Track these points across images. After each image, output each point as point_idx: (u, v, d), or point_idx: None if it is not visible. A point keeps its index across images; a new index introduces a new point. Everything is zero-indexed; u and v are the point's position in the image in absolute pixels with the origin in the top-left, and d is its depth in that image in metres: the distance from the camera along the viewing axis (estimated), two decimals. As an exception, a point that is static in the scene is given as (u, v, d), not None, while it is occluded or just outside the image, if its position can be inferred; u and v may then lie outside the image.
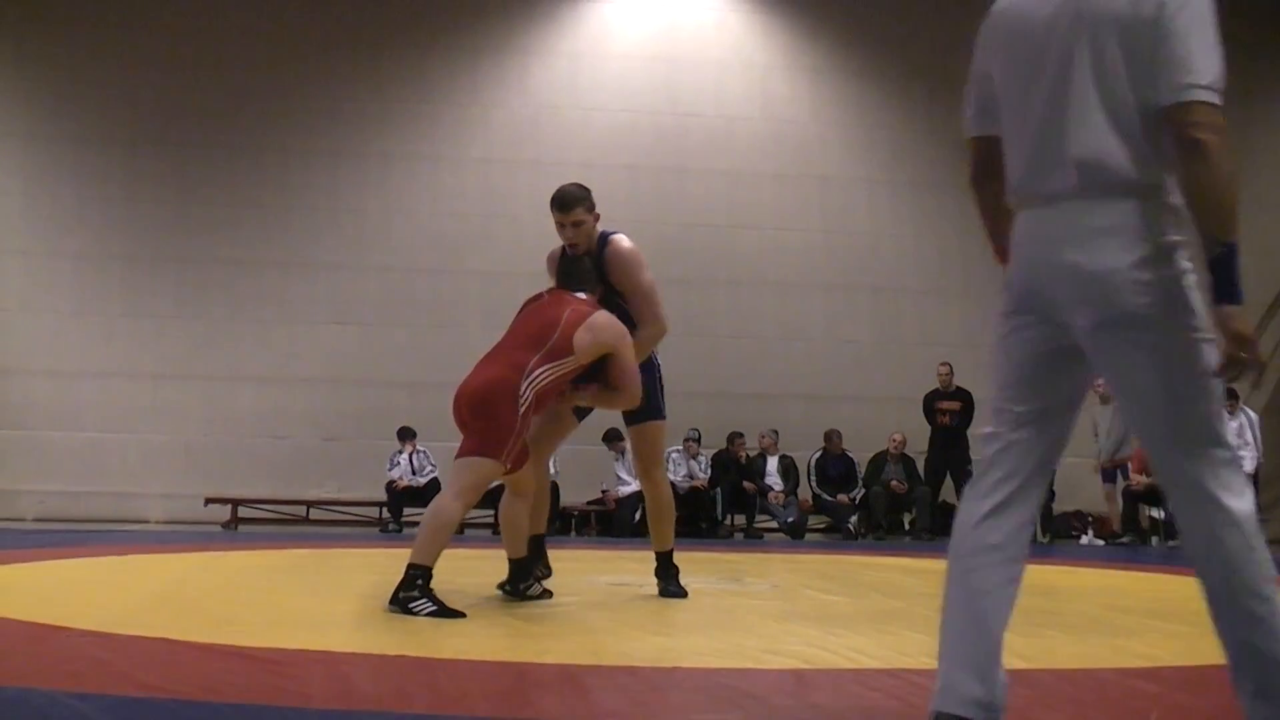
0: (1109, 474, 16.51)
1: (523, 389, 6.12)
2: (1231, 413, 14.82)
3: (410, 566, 5.90)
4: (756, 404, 17.74)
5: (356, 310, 17.93)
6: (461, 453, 6.17)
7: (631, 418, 6.99)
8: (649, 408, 6.95)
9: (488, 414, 6.08)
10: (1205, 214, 2.98)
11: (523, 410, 6.10)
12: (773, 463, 17.07)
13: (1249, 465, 14.74)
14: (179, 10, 18.20)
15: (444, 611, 5.73)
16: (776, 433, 17.16)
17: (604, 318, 6.54)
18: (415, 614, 5.69)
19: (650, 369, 6.99)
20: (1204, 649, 5.18)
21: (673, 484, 15.19)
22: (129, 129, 17.84)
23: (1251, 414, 15.91)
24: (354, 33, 18.41)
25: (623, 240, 6.96)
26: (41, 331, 17.39)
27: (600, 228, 7.05)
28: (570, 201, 7.05)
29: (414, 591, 5.82)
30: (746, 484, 16.69)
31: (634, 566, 8.58)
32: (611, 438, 16.24)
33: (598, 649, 4.81)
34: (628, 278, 6.91)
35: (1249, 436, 15.52)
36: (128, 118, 17.85)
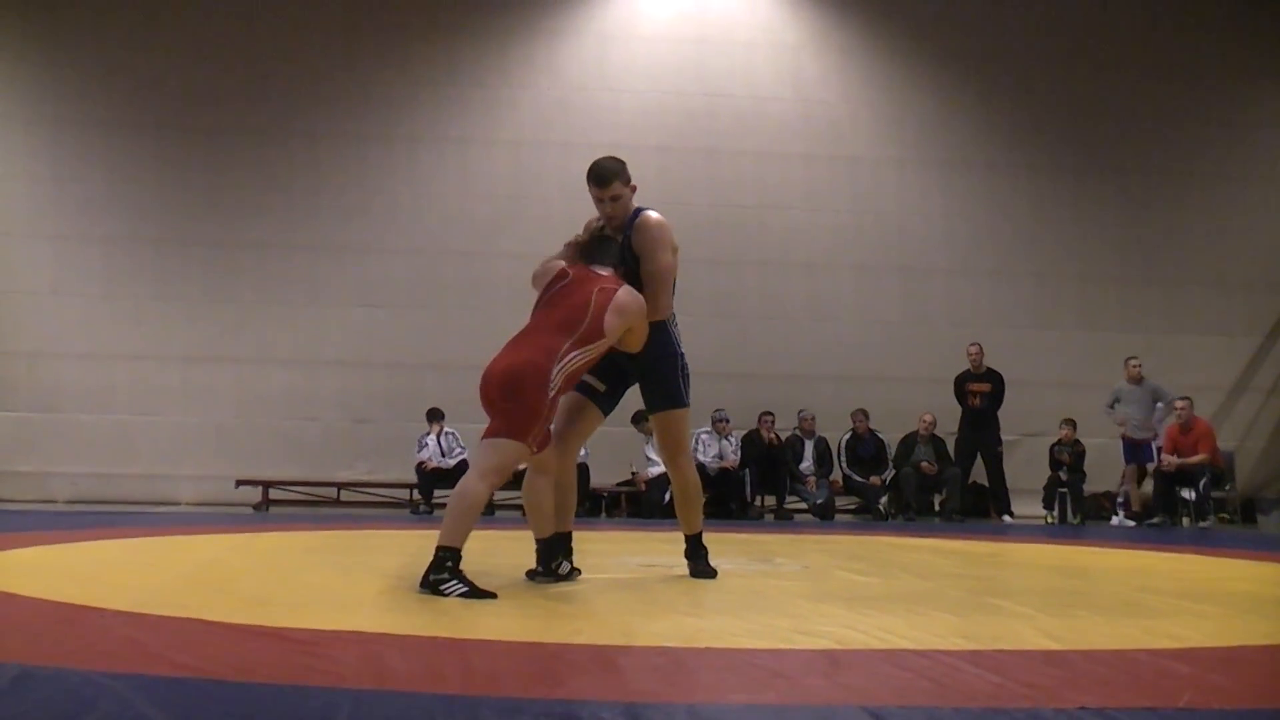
0: (1131, 454, 16.50)
1: (553, 373, 6.11)
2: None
3: (439, 549, 5.89)
4: (786, 385, 17.72)
5: (386, 293, 17.96)
6: (488, 434, 6.17)
7: (652, 405, 6.92)
8: (669, 395, 6.88)
9: (517, 396, 6.05)
10: None
11: (552, 394, 6.10)
12: (809, 445, 17.06)
13: None
14: (207, -6, 18.27)
15: (475, 592, 5.72)
16: (814, 417, 17.14)
17: (626, 296, 6.56)
18: (445, 595, 5.69)
19: (671, 356, 6.90)
20: (1237, 630, 5.19)
21: (703, 465, 15.40)
22: (158, 114, 17.89)
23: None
24: (381, 16, 18.42)
25: (652, 214, 6.89)
26: (72, 315, 17.46)
27: (634, 203, 6.92)
28: (608, 175, 6.98)
29: (444, 574, 5.81)
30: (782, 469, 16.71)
31: (664, 547, 8.57)
32: (640, 419, 16.23)
33: (629, 630, 4.81)
34: (647, 253, 6.84)
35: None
36: (157, 103, 17.91)
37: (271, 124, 18.06)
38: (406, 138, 18.26)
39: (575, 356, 6.22)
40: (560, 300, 6.47)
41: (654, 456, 16.48)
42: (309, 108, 18.16)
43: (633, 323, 6.56)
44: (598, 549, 9.31)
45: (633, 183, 6.89)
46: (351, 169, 18.15)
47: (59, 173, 17.76)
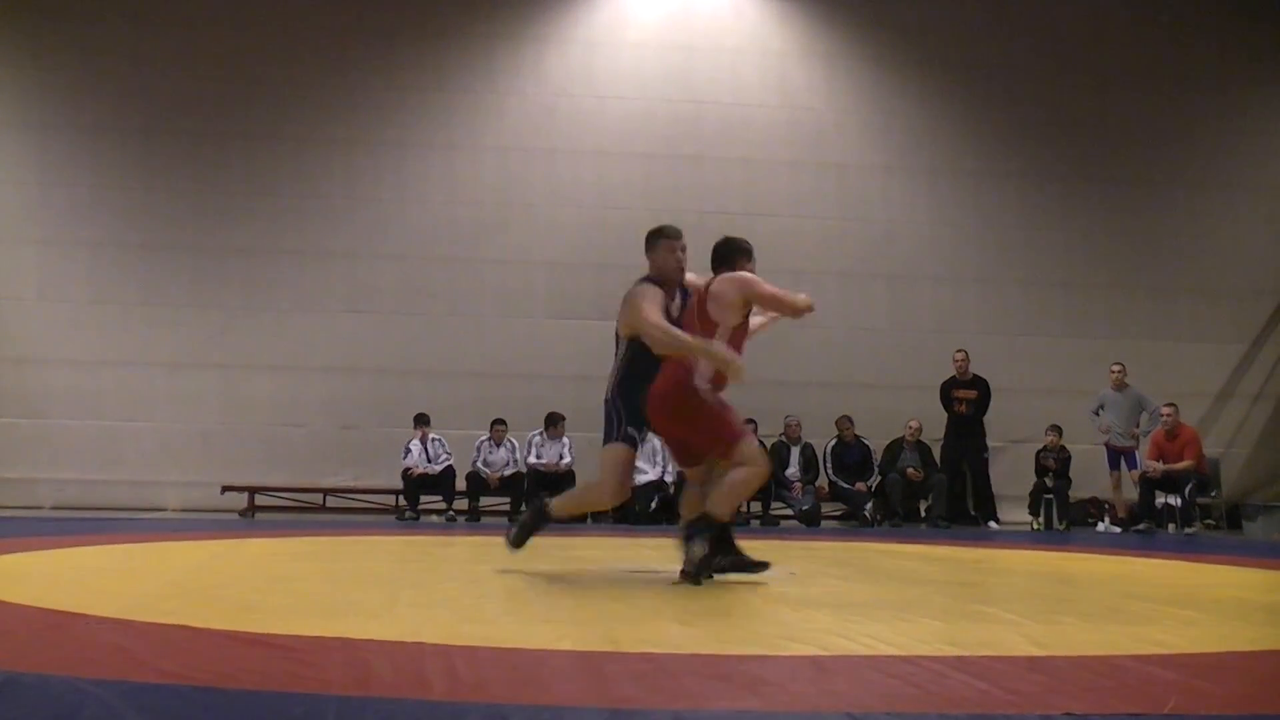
0: (1114, 461, 16.53)
1: (695, 379, 6.80)
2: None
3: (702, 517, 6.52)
4: (773, 391, 17.69)
5: (372, 298, 17.96)
6: (713, 457, 6.90)
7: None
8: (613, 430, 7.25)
9: (677, 419, 6.83)
10: None
11: (703, 391, 6.80)
12: (795, 451, 17.08)
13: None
14: (194, 1, 18.24)
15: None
16: (800, 423, 17.15)
17: (716, 285, 7.06)
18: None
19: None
20: (1222, 636, 5.20)
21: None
22: (144, 119, 17.88)
23: None
24: (369, 21, 18.41)
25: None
26: (58, 320, 17.43)
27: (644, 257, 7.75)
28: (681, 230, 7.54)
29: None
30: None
31: (651, 554, 8.58)
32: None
33: (615, 636, 4.81)
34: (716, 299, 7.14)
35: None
36: (143, 107, 17.89)
37: (259, 129, 18.04)
38: (393, 143, 18.25)
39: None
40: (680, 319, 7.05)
41: (642, 464, 16.51)
42: (296, 113, 18.15)
43: (734, 299, 7.05)
44: (583, 555, 9.31)
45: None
46: (338, 175, 18.14)
47: (45, 178, 17.73)
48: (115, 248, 17.68)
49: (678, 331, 6.94)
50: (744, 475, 6.76)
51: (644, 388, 7.00)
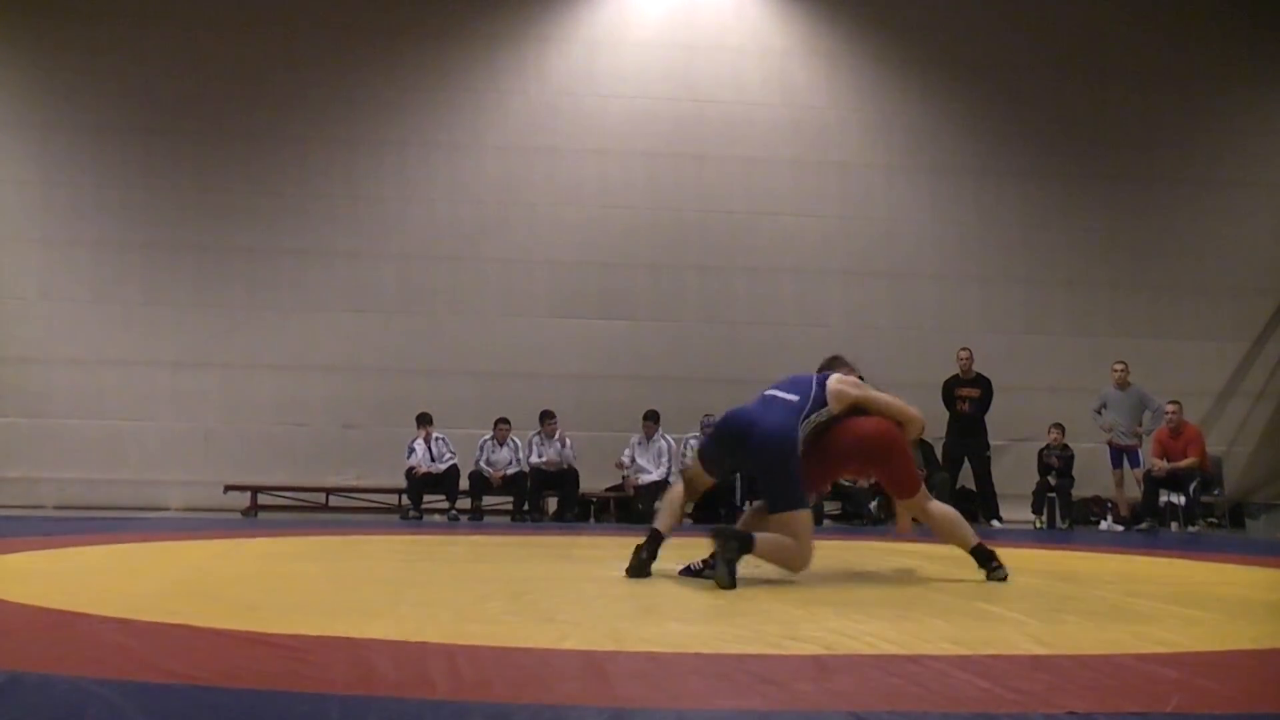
0: (1116, 459, 16.51)
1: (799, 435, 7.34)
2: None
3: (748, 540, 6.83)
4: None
5: (374, 298, 17.96)
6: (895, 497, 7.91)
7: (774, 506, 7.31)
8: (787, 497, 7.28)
9: (886, 460, 7.68)
10: None
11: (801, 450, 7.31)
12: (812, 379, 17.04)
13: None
14: (196, 0, 18.24)
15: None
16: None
17: (833, 383, 7.68)
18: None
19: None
20: (1225, 635, 5.20)
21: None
22: (147, 118, 17.89)
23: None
24: (370, 20, 18.42)
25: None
26: (61, 319, 17.45)
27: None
28: None
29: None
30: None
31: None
32: (648, 418, 16.53)
33: (618, 635, 4.80)
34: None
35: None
36: (145, 107, 17.91)
37: (261, 129, 18.05)
38: (395, 142, 18.26)
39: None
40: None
41: (646, 464, 16.56)
42: (298, 112, 18.15)
43: (845, 402, 7.58)
44: (587, 554, 9.31)
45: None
46: (340, 174, 18.15)
47: (48, 177, 17.75)
48: (117, 247, 17.69)
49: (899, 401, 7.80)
50: (793, 552, 7.08)
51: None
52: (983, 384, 16.94)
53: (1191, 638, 5.00)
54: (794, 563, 7.09)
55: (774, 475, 7.26)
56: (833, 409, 7.48)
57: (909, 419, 7.66)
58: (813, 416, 7.43)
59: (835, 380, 7.66)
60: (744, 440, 7.33)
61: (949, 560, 8.87)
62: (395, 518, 16.38)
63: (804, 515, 7.19)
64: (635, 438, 16.83)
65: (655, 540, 7.31)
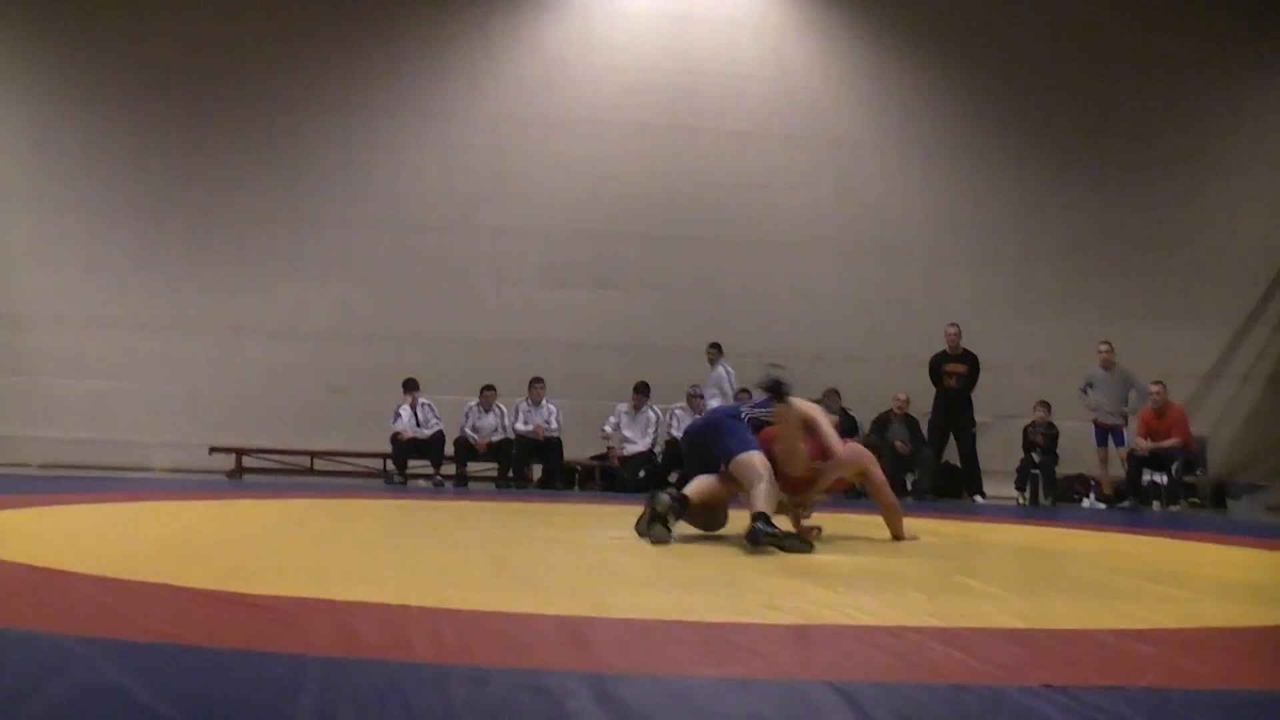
0: (1101, 438, 16.57)
1: None
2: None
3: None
4: (762, 362, 17.73)
5: (365, 265, 17.94)
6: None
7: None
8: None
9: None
10: None
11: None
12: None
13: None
14: (190, -39, 18.20)
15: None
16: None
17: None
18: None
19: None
20: (1202, 613, 5.24)
21: (676, 440, 15.52)
22: (137, 82, 17.82)
23: None
24: (365, -14, 18.36)
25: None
26: (50, 282, 17.42)
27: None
28: None
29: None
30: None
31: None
32: (639, 390, 16.59)
33: (600, 602, 4.83)
34: None
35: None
36: (136, 71, 17.83)
37: (253, 94, 17.98)
38: (388, 110, 18.21)
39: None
40: None
41: (631, 435, 16.59)
42: (290, 79, 18.09)
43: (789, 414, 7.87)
44: (570, 522, 9.34)
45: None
46: (332, 140, 18.10)
47: (38, 140, 17.69)
48: (108, 211, 17.64)
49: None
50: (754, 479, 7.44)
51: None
52: (969, 360, 16.96)
53: (1168, 615, 5.03)
54: (757, 480, 7.36)
55: (717, 436, 7.82)
56: (774, 413, 7.88)
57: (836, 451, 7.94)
58: (757, 411, 8.05)
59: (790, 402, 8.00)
60: (691, 430, 8.34)
61: (932, 535, 8.92)
62: (380, 483, 16.40)
63: (753, 455, 7.55)
64: (622, 406, 16.85)
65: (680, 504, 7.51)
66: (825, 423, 7.95)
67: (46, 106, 17.78)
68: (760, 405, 8.13)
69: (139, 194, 17.68)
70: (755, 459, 7.49)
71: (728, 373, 16.88)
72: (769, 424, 7.86)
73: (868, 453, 8.46)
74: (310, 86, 18.09)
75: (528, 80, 18.50)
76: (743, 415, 7.97)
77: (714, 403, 16.46)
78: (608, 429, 16.82)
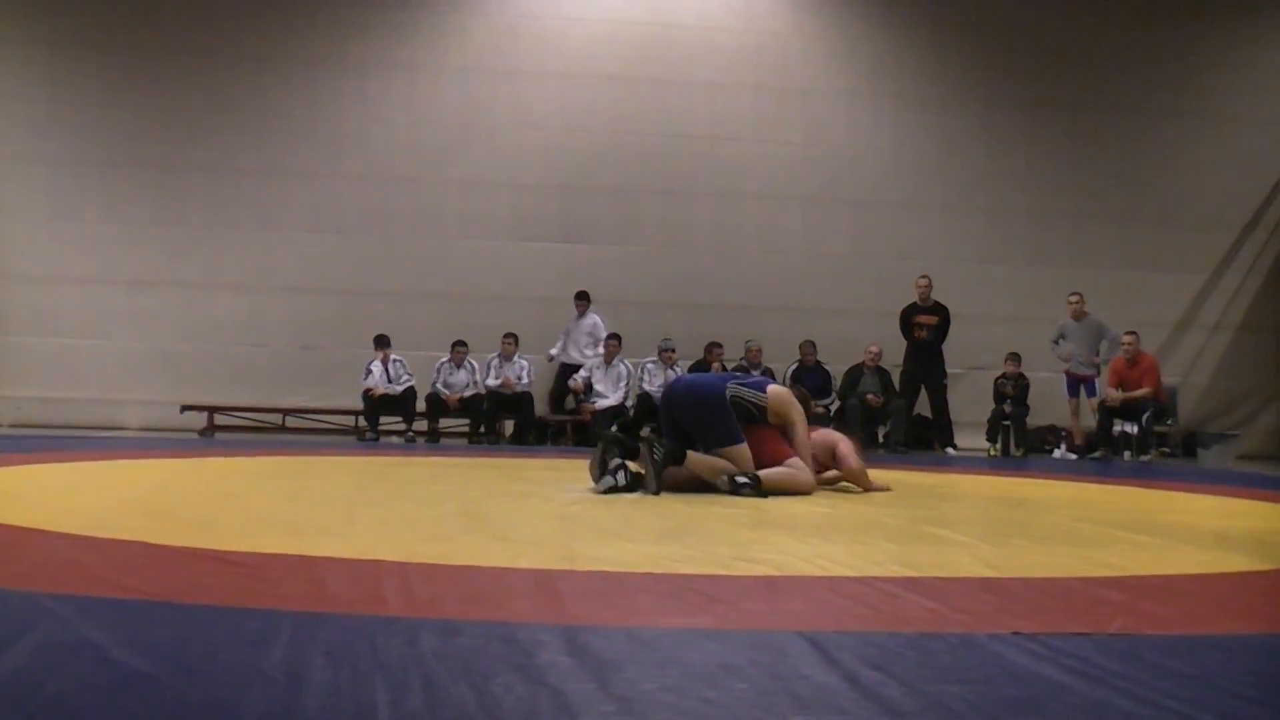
0: (1073, 388, 16.65)
1: None
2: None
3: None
4: (734, 315, 17.75)
5: (334, 218, 17.88)
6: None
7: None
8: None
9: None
10: None
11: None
12: (757, 374, 17.11)
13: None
14: (154, -87, 18.02)
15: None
16: (760, 348, 17.09)
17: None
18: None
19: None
20: (1171, 559, 5.28)
21: (648, 394, 15.50)
22: (103, 34, 17.67)
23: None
24: (332, -62, 18.22)
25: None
26: (17, 237, 17.32)
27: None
28: None
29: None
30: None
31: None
32: (611, 337, 16.66)
33: (571, 554, 4.84)
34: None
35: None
36: (102, 22, 17.69)
37: (220, 46, 17.85)
38: (355, 63, 18.11)
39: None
40: None
41: (604, 389, 16.58)
42: (257, 30, 17.97)
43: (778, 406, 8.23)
44: (542, 476, 9.35)
45: None
46: (300, 93, 18.01)
47: (1, 92, 17.54)
48: (75, 164, 17.54)
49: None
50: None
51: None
52: (940, 312, 17.00)
53: (1137, 562, 5.07)
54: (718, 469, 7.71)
55: (703, 418, 7.94)
56: (763, 401, 8.12)
57: (805, 470, 8.03)
58: (743, 391, 8.08)
59: (782, 389, 8.35)
60: (674, 395, 8.22)
61: (904, 486, 8.96)
62: (352, 439, 16.39)
63: (739, 449, 7.80)
64: (594, 360, 16.86)
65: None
66: (802, 432, 8.17)
67: (9, 58, 17.62)
68: (749, 385, 8.23)
69: (107, 147, 17.56)
70: (735, 454, 7.78)
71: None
72: (753, 413, 8.02)
73: (842, 440, 8.70)
74: (278, 40, 17.97)
75: (495, 33, 18.40)
76: (728, 394, 8.00)
77: (589, 351, 16.67)
78: (579, 381, 16.82)
